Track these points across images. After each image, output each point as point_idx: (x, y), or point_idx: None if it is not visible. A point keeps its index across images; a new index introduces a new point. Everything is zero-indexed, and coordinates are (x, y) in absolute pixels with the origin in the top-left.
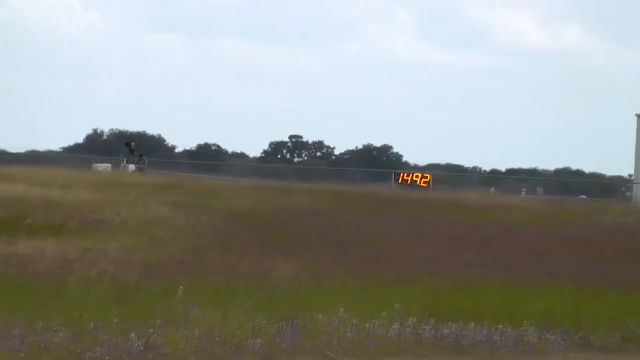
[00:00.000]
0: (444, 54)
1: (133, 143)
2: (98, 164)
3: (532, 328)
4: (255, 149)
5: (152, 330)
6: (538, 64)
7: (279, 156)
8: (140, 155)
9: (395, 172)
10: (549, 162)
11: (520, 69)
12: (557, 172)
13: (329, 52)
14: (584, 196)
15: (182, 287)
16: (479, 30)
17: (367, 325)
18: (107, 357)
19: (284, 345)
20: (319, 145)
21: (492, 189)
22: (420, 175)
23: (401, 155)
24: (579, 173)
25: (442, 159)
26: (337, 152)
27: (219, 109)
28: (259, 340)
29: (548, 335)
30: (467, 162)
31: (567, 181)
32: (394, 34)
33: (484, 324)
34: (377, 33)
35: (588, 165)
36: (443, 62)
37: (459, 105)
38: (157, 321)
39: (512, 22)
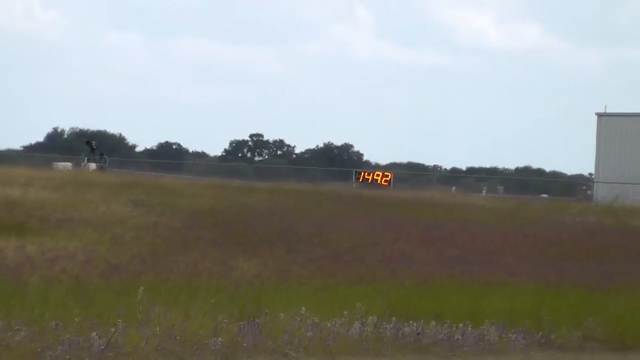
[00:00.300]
0: (405, 53)
1: (94, 142)
2: (59, 163)
3: (493, 327)
4: (215, 148)
5: (113, 329)
6: (498, 62)
7: (239, 155)
8: (101, 154)
9: (356, 171)
10: (509, 161)
11: (480, 67)
12: (518, 170)
13: (290, 51)
14: (545, 195)
15: (142, 288)
16: (439, 29)
17: (328, 324)
18: (68, 356)
19: (245, 344)
20: (280, 144)
21: (453, 187)
22: (381, 174)
23: (362, 154)
24: (539, 172)
25: (403, 158)
26: (297, 151)
27: (180, 107)
28: (220, 339)
29: (509, 334)
30: (428, 161)
31: (527, 180)
32: (356, 33)
33: (445, 323)
34: (339, 32)
35: (549, 164)
36: (403, 61)
37: (420, 104)
38: (119, 320)
39: (473, 21)
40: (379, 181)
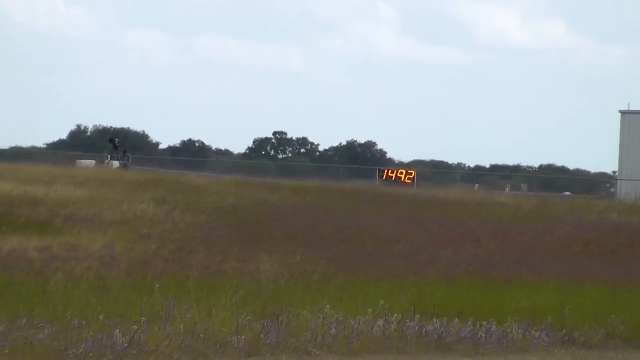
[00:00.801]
0: (428, 50)
1: (117, 139)
2: (82, 160)
3: (516, 324)
4: (239, 146)
5: (136, 326)
6: (522, 60)
7: (262, 152)
8: (124, 152)
9: (379, 169)
10: (533, 159)
11: (504, 65)
12: (541, 168)
13: (313, 48)
14: (568, 193)
15: (157, 285)
16: (462, 26)
17: (352, 322)
18: (90, 354)
19: (268, 342)
20: (303, 141)
21: (476, 185)
22: (404, 171)
23: (385, 152)
24: (563, 169)
25: (426, 156)
26: (321, 148)
27: (203, 105)
28: (243, 336)
29: (532, 332)
30: (451, 159)
31: (551, 177)
32: (378, 30)
33: (468, 321)
34: (361, 29)
35: (572, 161)
36: (427, 58)
37: (442, 101)
38: (142, 318)
39: (496, 19)
40: (402, 179)
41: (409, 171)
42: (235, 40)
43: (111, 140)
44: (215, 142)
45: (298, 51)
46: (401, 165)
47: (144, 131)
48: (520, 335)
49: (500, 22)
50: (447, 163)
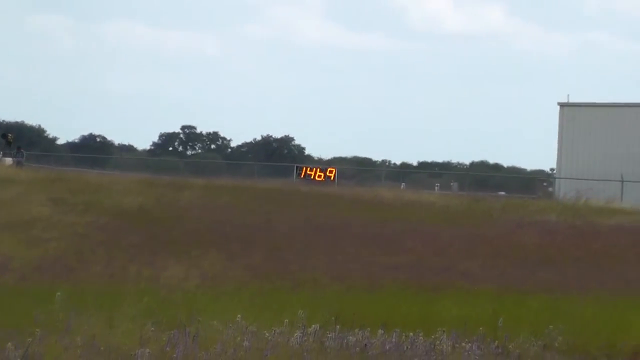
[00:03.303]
0: (354, 37)
1: (10, 134)
2: None
3: (445, 336)
4: (144, 141)
5: (30, 339)
6: (455, 48)
7: (170, 149)
8: (18, 148)
9: (297, 166)
10: (464, 156)
11: (435, 53)
12: (473, 165)
13: (227, 35)
14: (503, 192)
15: (59, 294)
16: (392, 11)
17: (267, 333)
18: None
19: (175, 356)
20: (214, 136)
21: (403, 184)
22: (324, 169)
23: (304, 148)
24: (497, 167)
25: (349, 152)
26: (233, 144)
27: (105, 97)
28: (147, 349)
29: (463, 344)
30: (376, 156)
31: (484, 176)
32: (300, 14)
33: (394, 332)
34: (282, 14)
35: (507, 159)
36: (352, 46)
37: (368, 93)
38: (37, 329)
39: (428, 3)
40: (321, 177)
41: (330, 169)
42: (142, 25)
43: (4, 136)
44: (118, 137)
45: (212, 38)
46: (321, 162)
47: (40, 126)
48: (449, 348)
49: (433, 6)
50: (371, 160)
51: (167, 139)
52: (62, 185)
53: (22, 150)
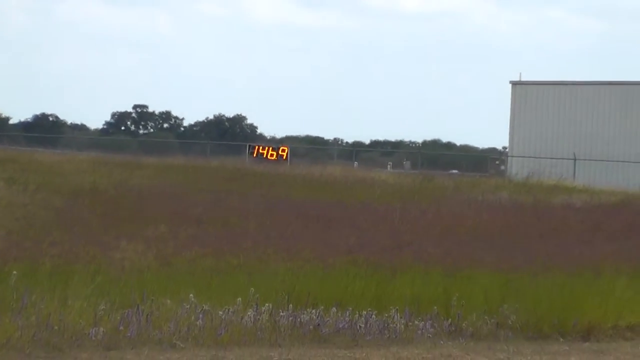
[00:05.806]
0: (308, 15)
1: None
2: None
3: (398, 314)
4: (96, 120)
5: None
6: (408, 26)
7: (122, 128)
8: None
9: (249, 145)
10: (416, 134)
11: (389, 32)
12: (426, 144)
13: (180, 13)
14: (455, 170)
15: (15, 272)
16: None
17: (220, 312)
18: None
19: (128, 334)
20: (166, 116)
21: (355, 163)
22: (276, 148)
23: (256, 127)
24: (449, 146)
25: (301, 131)
26: (186, 123)
27: (57, 75)
28: (101, 328)
29: (416, 322)
30: (328, 134)
31: (436, 154)
32: None
33: (347, 310)
34: None
35: (459, 137)
36: (306, 23)
37: (320, 72)
38: None
39: None
40: (274, 156)
41: (282, 148)
42: (93, 2)
43: None
44: (70, 116)
45: (164, 16)
46: (273, 141)
47: None
48: (402, 326)
49: None
50: (323, 139)
51: (120, 118)
52: (14, 165)
53: None
